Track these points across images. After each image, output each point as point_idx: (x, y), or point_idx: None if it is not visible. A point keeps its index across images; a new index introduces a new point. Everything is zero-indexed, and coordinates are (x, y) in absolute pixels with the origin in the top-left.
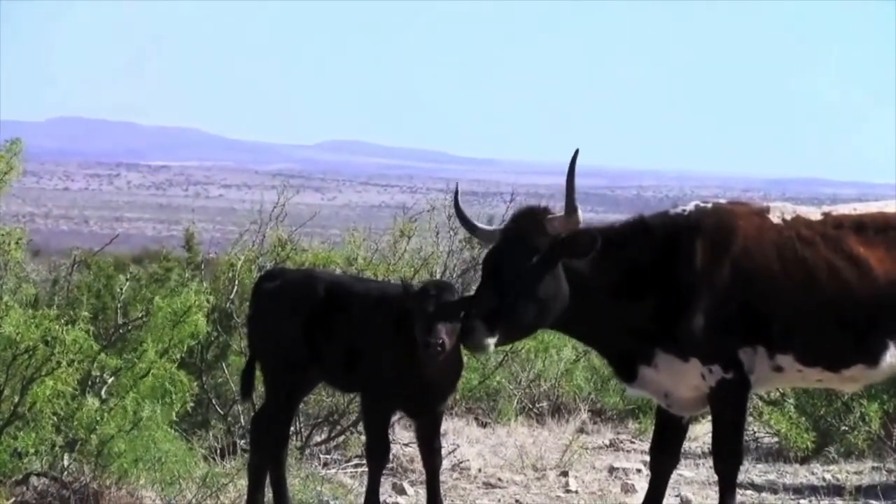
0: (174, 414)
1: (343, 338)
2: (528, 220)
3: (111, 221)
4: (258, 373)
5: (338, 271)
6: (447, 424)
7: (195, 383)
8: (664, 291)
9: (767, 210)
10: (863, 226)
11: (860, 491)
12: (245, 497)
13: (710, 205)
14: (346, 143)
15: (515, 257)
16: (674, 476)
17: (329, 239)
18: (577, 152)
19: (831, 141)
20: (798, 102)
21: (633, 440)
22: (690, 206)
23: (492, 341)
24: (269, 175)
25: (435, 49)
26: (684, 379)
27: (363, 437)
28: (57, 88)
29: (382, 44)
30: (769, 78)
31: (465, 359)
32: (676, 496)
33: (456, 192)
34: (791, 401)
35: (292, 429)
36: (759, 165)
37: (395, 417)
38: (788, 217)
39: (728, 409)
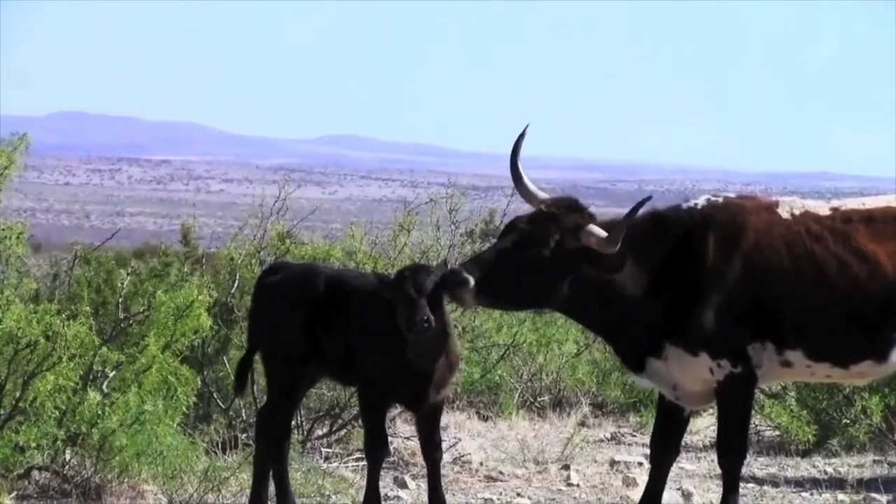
0: (181, 409)
1: (341, 331)
2: (569, 218)
3: (112, 216)
4: (258, 366)
5: (336, 265)
6: (449, 418)
7: (197, 377)
8: (676, 285)
9: (777, 204)
10: (872, 220)
11: (861, 484)
12: (247, 491)
13: (720, 199)
14: (347, 137)
15: (536, 244)
16: (675, 469)
17: (330, 233)
18: (647, 198)
19: (832, 135)
20: (799, 96)
21: (635, 433)
22: (702, 201)
23: (473, 300)
24: (271, 169)
25: (436, 43)
26: (693, 372)
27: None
28: (58, 83)
29: (383, 38)
30: (770, 71)
31: (462, 350)
32: (678, 489)
33: (521, 135)
34: (792, 394)
35: (294, 423)
36: (761, 159)
37: (395, 411)
38: (797, 212)
39: (735, 403)
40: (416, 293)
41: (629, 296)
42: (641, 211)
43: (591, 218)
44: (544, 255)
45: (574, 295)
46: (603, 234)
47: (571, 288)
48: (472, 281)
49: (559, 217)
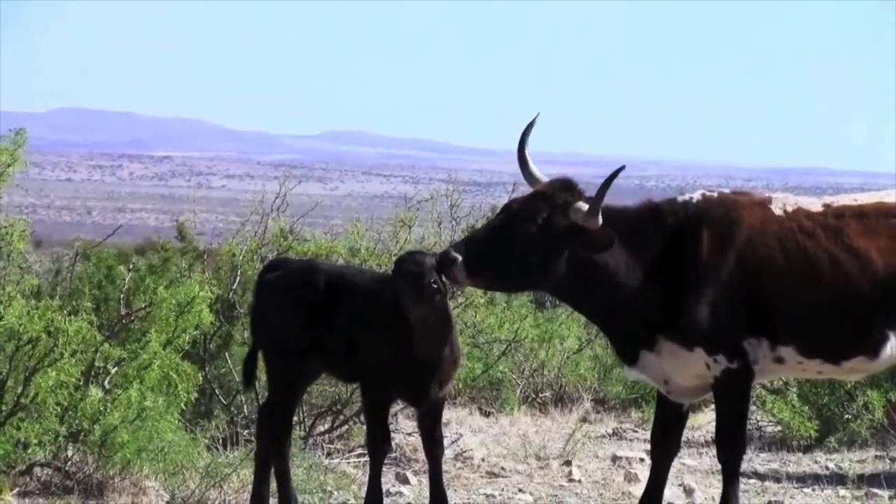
0: (181, 405)
1: (342, 327)
2: (559, 196)
3: (114, 212)
4: (260, 362)
5: (340, 261)
6: (450, 414)
7: (198, 374)
8: (669, 279)
9: (769, 201)
10: (863, 216)
11: (863, 479)
12: (249, 487)
13: (715, 194)
14: (349, 133)
15: (524, 220)
16: (677, 465)
17: (331, 229)
18: (622, 168)
19: (833, 130)
20: (800, 91)
21: (636, 429)
22: (697, 195)
23: (465, 277)
24: (272, 165)
25: (437, 39)
26: (687, 367)
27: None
28: (59, 79)
29: (384, 34)
30: (771, 67)
31: (464, 346)
32: (679, 485)
33: (531, 123)
34: (794, 389)
35: (296, 419)
36: (762, 155)
37: (397, 407)
38: (790, 208)
39: (732, 398)
40: (418, 267)
41: (623, 284)
42: (638, 202)
43: (581, 196)
44: (532, 232)
45: (569, 280)
46: (586, 207)
47: (566, 272)
48: (459, 258)
49: (549, 195)
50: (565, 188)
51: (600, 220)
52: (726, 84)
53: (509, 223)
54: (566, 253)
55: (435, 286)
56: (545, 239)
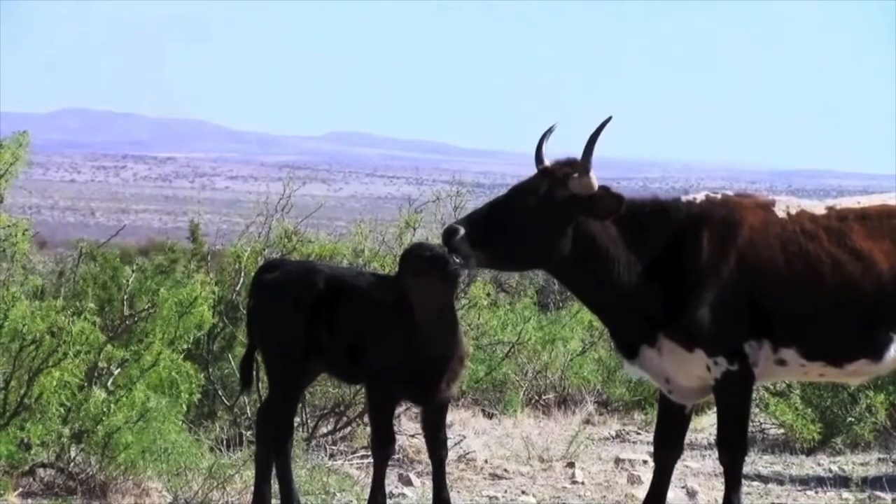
0: (183, 407)
1: (345, 329)
2: (559, 170)
3: (117, 213)
4: (259, 362)
5: (344, 263)
6: (453, 415)
7: (201, 375)
8: (670, 277)
9: (773, 203)
10: (866, 218)
11: (866, 482)
12: (252, 488)
13: (719, 196)
14: (352, 134)
15: (526, 192)
16: (680, 467)
17: (335, 230)
18: (608, 119)
19: (837, 133)
20: (804, 94)
21: (640, 431)
22: (701, 196)
23: (466, 247)
24: (276, 167)
25: (441, 40)
26: (687, 368)
27: (369, 429)
28: (62, 80)
29: (387, 35)
30: (775, 69)
31: (470, 349)
32: (682, 487)
33: (548, 131)
34: (797, 392)
35: (298, 420)
36: (765, 157)
37: (400, 409)
38: (793, 211)
39: (733, 400)
40: (430, 251)
41: (622, 274)
42: (643, 195)
43: (584, 169)
44: (532, 204)
45: (572, 262)
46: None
47: (568, 251)
48: (462, 229)
49: (551, 171)
50: (567, 164)
51: (595, 181)
52: (731, 86)
53: (511, 197)
54: (568, 229)
55: (457, 259)
56: (545, 211)
